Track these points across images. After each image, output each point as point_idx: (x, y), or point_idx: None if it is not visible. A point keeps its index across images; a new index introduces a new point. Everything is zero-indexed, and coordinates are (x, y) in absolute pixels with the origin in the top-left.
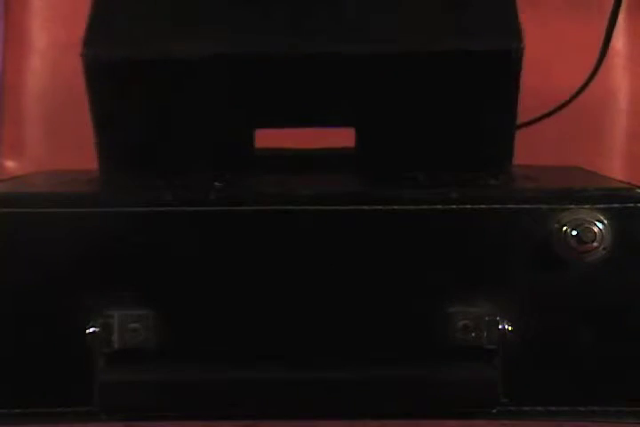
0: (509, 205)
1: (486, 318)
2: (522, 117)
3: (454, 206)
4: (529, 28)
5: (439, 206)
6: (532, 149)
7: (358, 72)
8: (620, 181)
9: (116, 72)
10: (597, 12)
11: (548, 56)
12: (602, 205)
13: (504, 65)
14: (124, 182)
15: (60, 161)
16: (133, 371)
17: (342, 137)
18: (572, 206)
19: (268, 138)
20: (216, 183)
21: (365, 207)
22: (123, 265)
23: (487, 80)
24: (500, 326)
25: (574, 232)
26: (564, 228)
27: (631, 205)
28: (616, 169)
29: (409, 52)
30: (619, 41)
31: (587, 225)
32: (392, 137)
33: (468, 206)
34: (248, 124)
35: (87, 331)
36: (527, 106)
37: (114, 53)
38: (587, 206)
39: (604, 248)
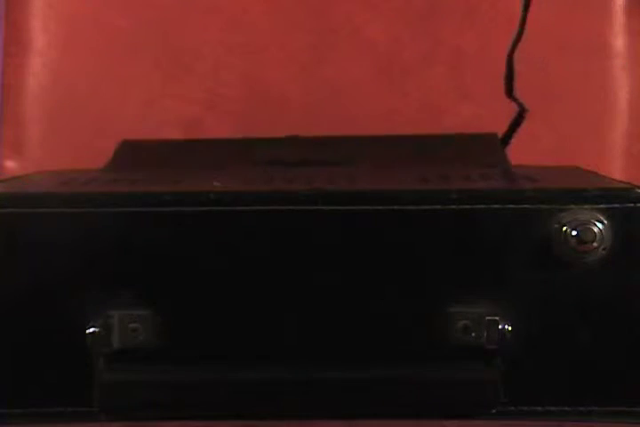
0: (509, 205)
1: (486, 318)
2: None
3: (454, 206)
4: (529, 29)
5: (439, 206)
6: (532, 149)
7: None
8: (620, 181)
9: None
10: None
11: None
12: (602, 205)
13: None
14: (124, 182)
15: (60, 161)
16: (133, 371)
17: None
18: (572, 206)
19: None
20: (216, 183)
21: (366, 207)
22: (123, 265)
23: None
24: (500, 326)
25: (574, 232)
26: (564, 228)
27: (631, 205)
28: (616, 169)
29: None
30: (619, 41)
31: (587, 225)
32: None
33: (468, 206)
34: None
35: (87, 331)
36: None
37: None
38: (587, 206)
39: (603, 248)
